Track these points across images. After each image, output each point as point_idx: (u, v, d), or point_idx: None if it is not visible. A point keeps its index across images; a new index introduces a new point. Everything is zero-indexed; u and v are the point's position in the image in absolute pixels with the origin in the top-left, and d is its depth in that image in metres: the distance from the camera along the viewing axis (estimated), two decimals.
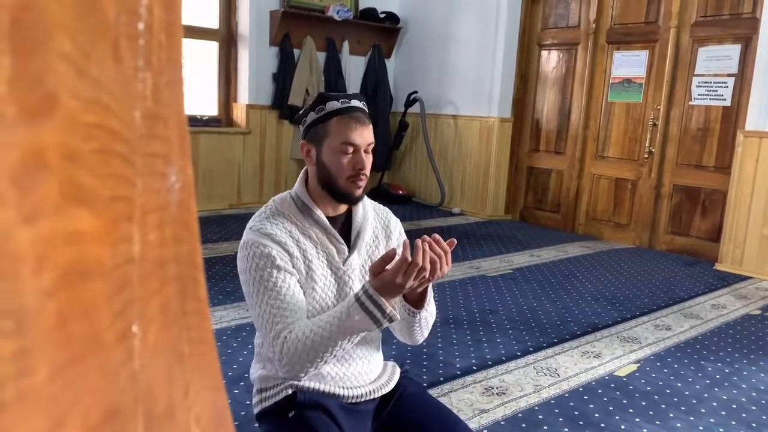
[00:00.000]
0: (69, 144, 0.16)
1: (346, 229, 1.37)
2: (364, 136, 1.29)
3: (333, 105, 1.28)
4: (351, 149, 1.27)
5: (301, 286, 1.28)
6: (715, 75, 4.23)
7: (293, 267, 1.27)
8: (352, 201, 1.34)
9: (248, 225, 1.32)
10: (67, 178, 0.16)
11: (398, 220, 1.50)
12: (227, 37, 5.25)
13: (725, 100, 4.18)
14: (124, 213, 0.19)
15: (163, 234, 0.21)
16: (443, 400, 2.05)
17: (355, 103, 1.30)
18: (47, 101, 0.15)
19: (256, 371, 1.42)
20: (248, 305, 1.30)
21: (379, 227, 1.43)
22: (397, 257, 1.18)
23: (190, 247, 0.24)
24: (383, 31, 5.91)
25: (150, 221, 0.21)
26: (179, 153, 0.22)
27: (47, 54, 0.15)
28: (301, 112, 1.35)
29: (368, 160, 1.30)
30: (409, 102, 5.73)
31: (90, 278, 0.17)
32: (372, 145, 1.32)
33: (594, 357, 2.54)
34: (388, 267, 1.18)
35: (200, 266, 0.25)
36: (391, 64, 6.12)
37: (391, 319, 1.20)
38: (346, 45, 5.67)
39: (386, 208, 1.49)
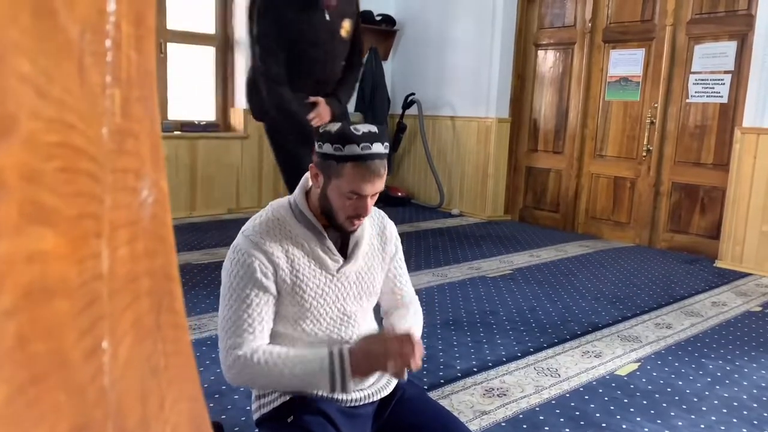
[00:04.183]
0: (29, 164, 0.16)
1: (342, 237, 1.38)
2: (376, 186, 1.27)
3: (352, 150, 1.22)
4: (357, 196, 1.26)
5: (286, 296, 1.30)
6: (712, 72, 4.23)
7: (276, 279, 1.28)
8: (346, 234, 1.35)
9: (242, 228, 1.34)
10: (27, 198, 0.16)
11: (394, 226, 1.50)
12: (224, 43, 5.26)
13: (722, 97, 4.18)
14: (91, 230, 0.19)
15: (134, 249, 0.21)
16: (443, 402, 2.05)
17: (376, 148, 1.24)
18: (4, 122, 0.15)
19: None
20: (220, 301, 1.32)
21: (375, 234, 1.44)
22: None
23: (164, 261, 0.24)
24: (380, 33, 5.92)
25: (120, 237, 0.21)
26: (152, 167, 0.22)
27: (4, 76, 0.15)
28: (320, 129, 1.29)
29: (371, 204, 1.31)
30: (407, 104, 5.73)
31: (54, 297, 0.17)
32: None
33: (595, 356, 2.54)
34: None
35: (176, 279, 0.25)
36: (388, 66, 6.13)
37: (344, 390, 1.25)
38: None
39: (381, 212, 1.50)
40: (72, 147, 0.18)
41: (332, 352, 1.24)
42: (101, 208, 0.19)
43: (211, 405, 2.02)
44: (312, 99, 2.51)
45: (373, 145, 1.23)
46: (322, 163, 1.27)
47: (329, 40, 2.41)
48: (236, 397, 2.05)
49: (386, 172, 1.29)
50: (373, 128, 1.26)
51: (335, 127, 1.26)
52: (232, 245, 1.32)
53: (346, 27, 2.47)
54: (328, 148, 1.25)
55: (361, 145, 1.22)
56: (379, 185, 1.28)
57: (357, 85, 2.84)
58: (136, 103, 0.21)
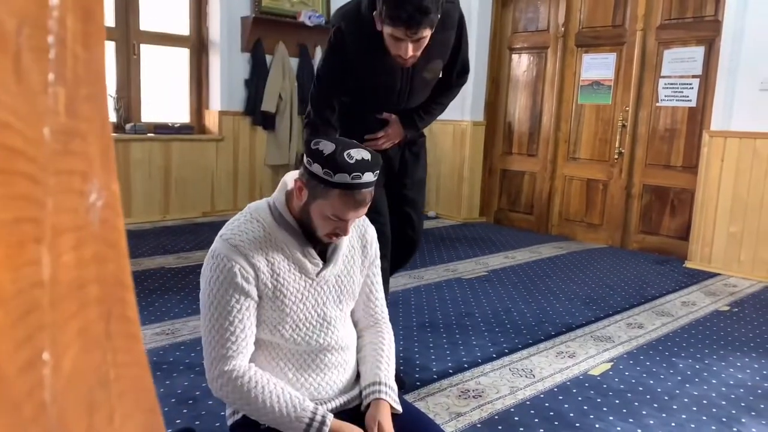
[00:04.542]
0: None
1: (322, 241, 1.37)
2: (359, 213, 1.26)
3: (343, 178, 1.19)
4: (339, 219, 1.25)
5: (267, 300, 1.28)
6: (681, 76, 4.32)
7: (257, 284, 1.26)
8: (323, 245, 1.34)
9: (220, 232, 1.31)
10: None
11: (374, 231, 1.49)
12: (198, 44, 5.20)
13: (691, 101, 4.27)
14: (29, 235, 0.18)
15: (81, 255, 0.20)
16: (419, 404, 2.05)
17: (366, 177, 1.22)
18: None
19: None
20: (200, 309, 1.30)
21: (356, 236, 1.43)
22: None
23: (116, 267, 0.23)
24: None
25: (64, 242, 0.20)
26: (102, 169, 0.21)
27: None
28: (312, 145, 1.23)
29: (351, 226, 1.29)
30: None
31: None
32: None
33: (568, 357, 2.56)
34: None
35: (129, 286, 0.24)
36: None
37: None
38: (318, 51, 5.65)
39: (364, 216, 1.48)
40: (7, 147, 0.17)
41: (314, 417, 1.24)
42: (42, 212, 0.18)
43: (185, 411, 1.99)
44: (385, 115, 2.07)
45: (364, 174, 1.21)
46: (310, 181, 1.24)
47: (406, 83, 2.00)
48: (210, 402, 2.02)
49: (371, 201, 1.28)
50: (367, 155, 1.23)
51: (329, 148, 1.22)
52: (210, 251, 1.29)
53: (432, 69, 2.01)
54: (317, 169, 1.21)
55: (352, 174, 1.20)
56: (363, 212, 1.27)
57: (446, 105, 2.29)
58: (84, 102, 0.20)
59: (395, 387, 1.39)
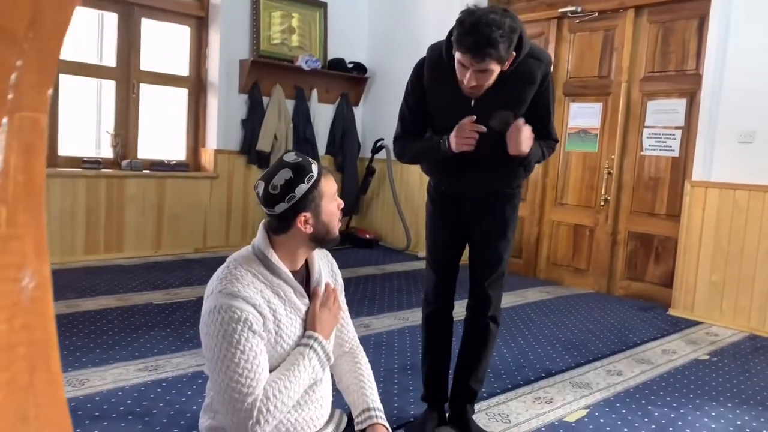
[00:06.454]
0: None
1: (306, 280, 1.46)
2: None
3: (315, 168, 1.38)
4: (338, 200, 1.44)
5: (268, 346, 1.34)
6: (664, 127, 4.45)
7: (264, 329, 1.31)
8: (337, 240, 1.47)
9: (215, 288, 1.32)
10: None
11: (336, 263, 1.61)
12: (197, 84, 5.37)
13: (673, 151, 4.39)
14: None
15: (12, 325, 0.28)
16: None
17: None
18: None
19: (205, 421, 1.45)
20: (209, 368, 1.31)
21: (327, 271, 1.54)
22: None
23: (42, 331, 0.30)
24: (351, 80, 6.10)
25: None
26: (35, 259, 0.29)
27: None
28: (278, 192, 1.33)
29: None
30: (376, 148, 5.87)
31: None
32: None
33: (546, 403, 2.59)
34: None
35: (54, 344, 0.31)
36: (358, 111, 6.29)
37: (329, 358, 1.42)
38: (314, 93, 5.83)
39: (324, 250, 1.57)
40: None
41: (307, 343, 1.37)
42: None
43: None
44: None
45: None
46: (307, 202, 1.36)
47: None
48: None
49: None
50: (290, 152, 1.43)
51: (287, 173, 1.35)
52: (209, 307, 1.30)
53: (499, 118, 1.95)
54: (303, 187, 1.34)
55: (313, 161, 1.40)
56: None
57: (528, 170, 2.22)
58: (22, 213, 0.28)
59: (382, 408, 1.48)
